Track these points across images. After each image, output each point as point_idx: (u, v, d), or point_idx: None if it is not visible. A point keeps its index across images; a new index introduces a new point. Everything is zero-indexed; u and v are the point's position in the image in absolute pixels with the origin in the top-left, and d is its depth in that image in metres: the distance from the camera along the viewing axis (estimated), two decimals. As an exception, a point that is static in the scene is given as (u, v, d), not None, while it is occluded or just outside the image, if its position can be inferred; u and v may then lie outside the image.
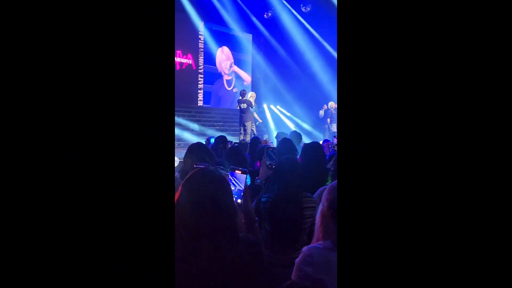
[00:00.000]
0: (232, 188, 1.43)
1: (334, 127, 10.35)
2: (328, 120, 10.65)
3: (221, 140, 4.16)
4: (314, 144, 3.24)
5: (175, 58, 11.68)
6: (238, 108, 9.37)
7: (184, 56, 12.38)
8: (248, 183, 2.34)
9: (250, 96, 9.70)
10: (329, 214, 1.47)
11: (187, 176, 1.27)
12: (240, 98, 9.38)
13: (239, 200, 1.45)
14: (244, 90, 9.87)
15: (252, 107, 9.32)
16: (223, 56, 13.51)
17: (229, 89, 13.56)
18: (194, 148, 2.63)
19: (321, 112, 10.94)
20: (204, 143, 4.19)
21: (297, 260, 1.49)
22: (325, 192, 1.53)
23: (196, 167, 1.33)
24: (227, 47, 13.50)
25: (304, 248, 1.51)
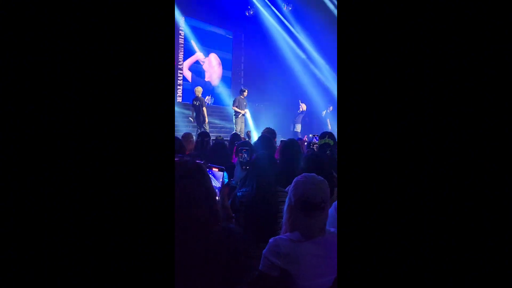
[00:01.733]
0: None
1: (298, 128, 10.61)
2: (294, 124, 10.89)
3: (204, 135, 4.53)
4: (292, 141, 3.31)
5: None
6: (236, 107, 9.29)
7: (164, 51, 12.04)
8: (226, 180, 2.33)
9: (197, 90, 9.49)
10: (296, 207, 1.49)
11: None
12: (242, 97, 9.34)
13: (217, 197, 1.43)
14: (243, 87, 9.89)
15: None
16: (216, 65, 13.22)
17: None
18: None
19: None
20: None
21: (264, 251, 1.50)
22: (291, 187, 1.54)
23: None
24: (207, 44, 13.28)
25: (271, 239, 1.52)
